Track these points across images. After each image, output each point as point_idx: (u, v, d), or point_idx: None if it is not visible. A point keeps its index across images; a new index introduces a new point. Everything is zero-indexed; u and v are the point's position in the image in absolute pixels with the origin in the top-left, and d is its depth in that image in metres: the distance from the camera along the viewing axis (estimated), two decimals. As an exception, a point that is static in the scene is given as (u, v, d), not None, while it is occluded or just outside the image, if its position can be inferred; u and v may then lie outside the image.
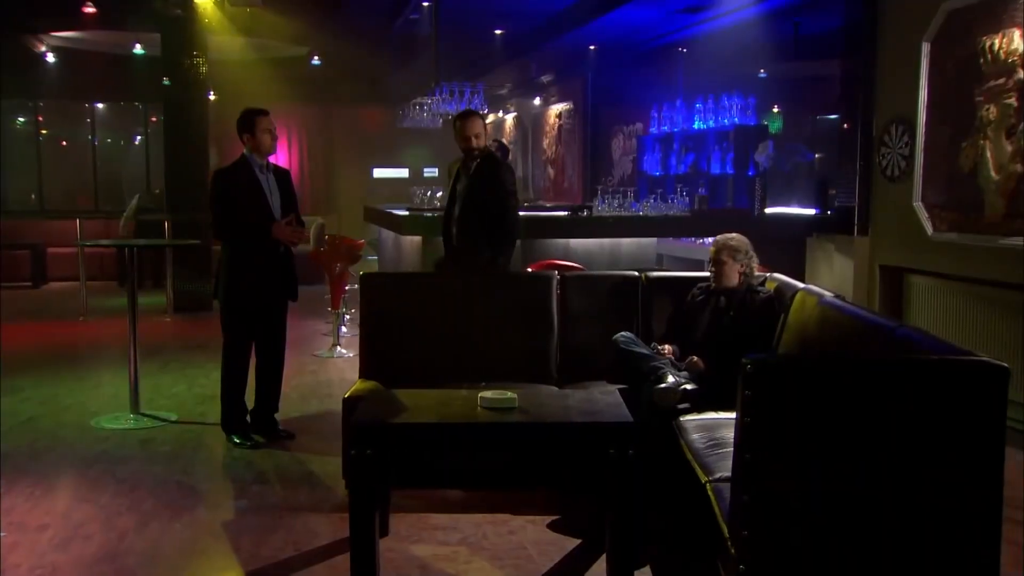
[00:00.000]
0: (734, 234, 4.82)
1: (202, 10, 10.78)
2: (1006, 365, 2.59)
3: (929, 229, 6.39)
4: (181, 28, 10.75)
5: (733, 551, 2.75)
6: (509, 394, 3.56)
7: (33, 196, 16.24)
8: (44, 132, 16.97)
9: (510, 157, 10.69)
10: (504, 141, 12.73)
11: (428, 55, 11.09)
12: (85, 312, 10.46)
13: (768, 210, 8.42)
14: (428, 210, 9.25)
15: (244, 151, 5.44)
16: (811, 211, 8.24)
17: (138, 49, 14.00)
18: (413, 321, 4.90)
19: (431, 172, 18.74)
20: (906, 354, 3.07)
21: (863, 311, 3.77)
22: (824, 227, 7.74)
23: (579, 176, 14.95)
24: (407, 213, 8.45)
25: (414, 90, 11.40)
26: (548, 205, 13.21)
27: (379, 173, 18.99)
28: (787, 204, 8.88)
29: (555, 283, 5.00)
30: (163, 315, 10.47)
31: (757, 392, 2.68)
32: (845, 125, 7.31)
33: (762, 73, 11.26)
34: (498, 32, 12.89)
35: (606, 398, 3.81)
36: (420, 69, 11.72)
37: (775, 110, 11.76)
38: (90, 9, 11.17)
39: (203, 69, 10.90)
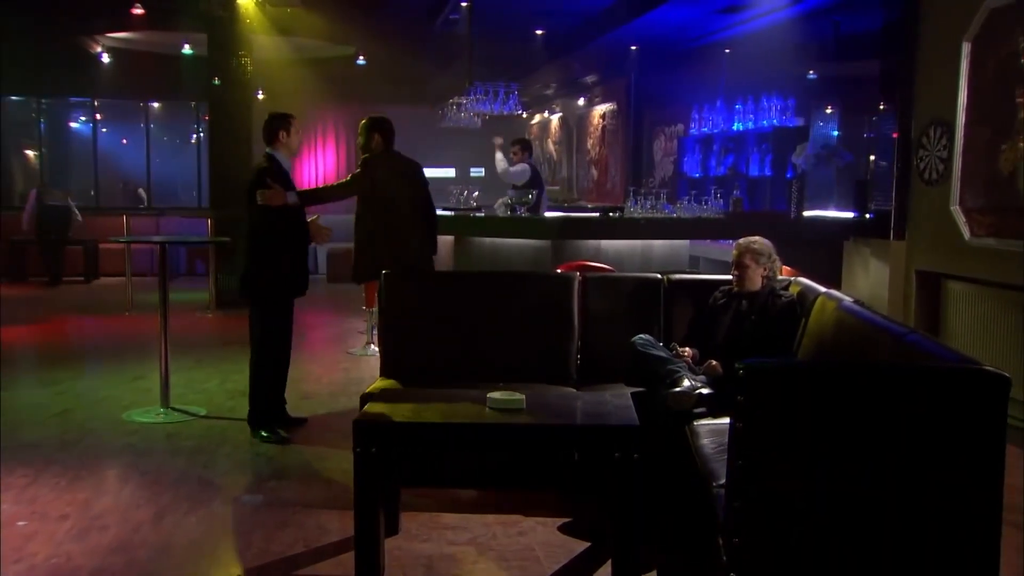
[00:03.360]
0: (756, 237, 4.76)
1: (244, 10, 10.92)
2: (1007, 374, 2.52)
3: (967, 234, 6.23)
4: (226, 28, 10.90)
5: (725, 558, 2.71)
6: (517, 395, 3.55)
7: (92, 192, 16.62)
8: (104, 130, 17.37)
9: (533, 154, 10.69)
10: (527, 138, 12.75)
11: (467, 55, 11.14)
12: (131, 307, 10.67)
13: (806, 213, 8.30)
14: (465, 209, 9.29)
15: (268, 150, 5.52)
16: (850, 214, 8.10)
17: (187, 49, 14.24)
18: (434, 320, 4.90)
19: (477, 172, 18.75)
20: (912, 361, 2.99)
21: (877, 316, 3.69)
22: (861, 231, 7.60)
23: (621, 177, 14.88)
24: (440, 212, 8.48)
25: (452, 90, 11.47)
26: (589, 206, 13.18)
27: (426, 173, 19.06)
28: (825, 207, 8.74)
29: (576, 284, 4.96)
30: (205, 311, 10.65)
31: (750, 397, 2.64)
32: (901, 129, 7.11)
33: (812, 74, 11.10)
34: (539, 32, 12.89)
35: (616, 400, 3.78)
36: (460, 69, 11.78)
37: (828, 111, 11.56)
38: (138, 11, 11.38)
39: (249, 69, 11.04)
